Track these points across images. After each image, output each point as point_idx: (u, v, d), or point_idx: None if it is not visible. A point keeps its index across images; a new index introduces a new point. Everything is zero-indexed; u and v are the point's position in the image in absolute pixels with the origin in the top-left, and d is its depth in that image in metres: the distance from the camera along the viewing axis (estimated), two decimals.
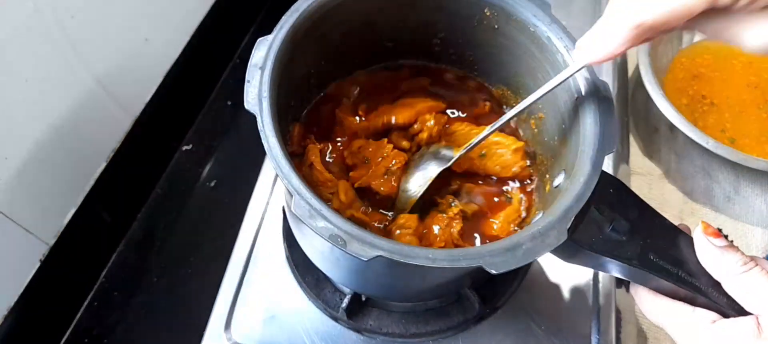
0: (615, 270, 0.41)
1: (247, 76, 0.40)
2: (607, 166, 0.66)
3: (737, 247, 0.39)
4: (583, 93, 0.43)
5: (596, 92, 0.43)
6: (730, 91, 0.79)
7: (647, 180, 0.76)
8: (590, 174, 0.39)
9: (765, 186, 0.74)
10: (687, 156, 0.77)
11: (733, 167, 0.74)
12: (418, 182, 0.50)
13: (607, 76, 0.74)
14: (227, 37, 0.91)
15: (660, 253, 0.39)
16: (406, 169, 0.52)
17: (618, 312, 0.57)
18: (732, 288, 0.38)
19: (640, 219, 0.40)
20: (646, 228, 0.40)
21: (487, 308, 0.55)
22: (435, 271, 0.45)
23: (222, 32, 0.90)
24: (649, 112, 0.81)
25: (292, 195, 0.36)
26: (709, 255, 0.39)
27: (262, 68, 0.41)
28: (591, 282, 0.58)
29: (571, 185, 0.40)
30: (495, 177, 0.53)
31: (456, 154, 0.50)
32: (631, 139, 0.80)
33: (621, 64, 0.81)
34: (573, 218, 0.38)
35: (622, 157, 0.73)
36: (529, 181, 0.53)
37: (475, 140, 0.48)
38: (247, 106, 0.39)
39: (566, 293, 0.57)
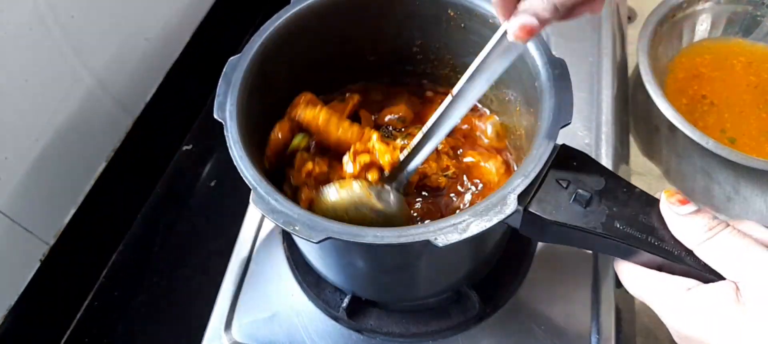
0: (583, 242, 0.40)
1: (217, 91, 0.44)
2: (606, 165, 0.66)
3: (707, 212, 0.37)
4: (541, 71, 0.44)
5: (552, 68, 0.44)
6: (730, 91, 0.79)
7: (647, 181, 0.76)
8: (544, 145, 0.40)
9: (765, 186, 0.74)
10: (687, 156, 0.77)
11: (733, 167, 0.74)
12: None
13: (607, 76, 0.74)
14: (228, 37, 0.91)
15: (627, 221, 0.39)
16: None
17: (618, 311, 0.57)
18: (704, 254, 0.36)
19: (606, 189, 0.40)
20: (613, 197, 0.39)
21: (488, 308, 0.55)
22: (416, 260, 0.46)
23: (222, 32, 0.90)
24: (648, 112, 0.81)
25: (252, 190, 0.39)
26: (676, 223, 0.37)
27: (230, 84, 0.45)
28: (591, 282, 0.58)
29: (526, 158, 0.40)
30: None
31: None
32: (631, 139, 0.80)
33: (621, 64, 0.81)
34: (525, 189, 0.38)
35: (622, 157, 0.73)
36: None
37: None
38: (215, 115, 0.44)
39: (566, 293, 0.57)
